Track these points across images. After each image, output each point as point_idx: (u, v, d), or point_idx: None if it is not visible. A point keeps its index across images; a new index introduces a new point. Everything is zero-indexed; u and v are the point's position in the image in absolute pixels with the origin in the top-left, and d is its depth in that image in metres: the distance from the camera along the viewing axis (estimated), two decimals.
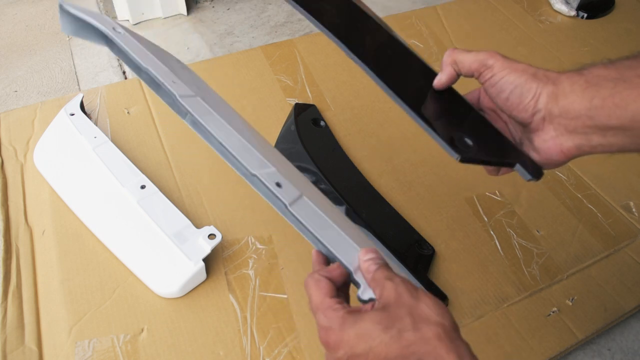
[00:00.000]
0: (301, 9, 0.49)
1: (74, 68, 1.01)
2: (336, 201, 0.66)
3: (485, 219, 0.71)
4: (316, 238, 0.39)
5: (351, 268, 0.38)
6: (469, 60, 0.43)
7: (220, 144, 0.41)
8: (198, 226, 0.63)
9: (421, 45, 0.99)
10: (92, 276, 0.61)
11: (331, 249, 0.39)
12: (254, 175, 0.40)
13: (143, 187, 0.66)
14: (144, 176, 0.67)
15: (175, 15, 1.14)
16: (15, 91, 0.95)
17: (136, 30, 1.09)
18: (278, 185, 0.41)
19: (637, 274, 0.66)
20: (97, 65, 1.02)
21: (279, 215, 0.41)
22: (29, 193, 0.70)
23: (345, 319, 0.33)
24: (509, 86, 0.41)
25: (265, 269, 0.63)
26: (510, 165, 0.43)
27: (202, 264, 0.59)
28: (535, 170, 0.42)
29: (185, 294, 0.60)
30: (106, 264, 0.62)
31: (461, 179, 0.76)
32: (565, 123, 0.40)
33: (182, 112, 0.42)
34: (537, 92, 0.40)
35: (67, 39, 1.08)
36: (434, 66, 0.49)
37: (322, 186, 0.67)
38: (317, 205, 0.41)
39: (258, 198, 0.42)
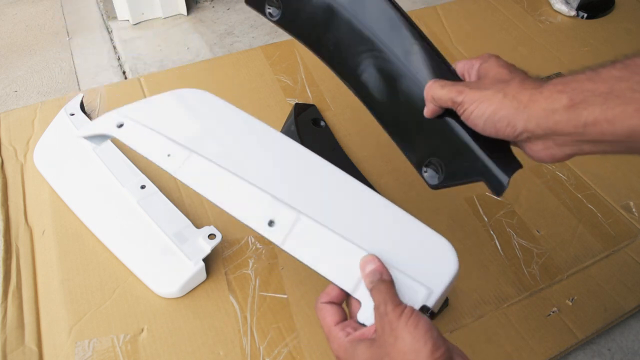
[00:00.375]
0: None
1: (74, 68, 1.01)
2: None
3: (485, 219, 0.71)
4: (312, 269, 0.40)
5: (349, 289, 0.39)
6: (443, 97, 0.42)
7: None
8: (198, 226, 0.63)
9: None
10: (92, 276, 0.61)
11: (327, 278, 0.40)
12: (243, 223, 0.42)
13: (143, 187, 0.66)
14: (144, 176, 0.67)
15: (175, 15, 1.14)
16: (15, 91, 0.95)
17: (136, 30, 1.09)
18: (270, 224, 0.41)
19: (637, 274, 0.66)
20: (97, 65, 1.02)
21: None
22: (29, 193, 0.70)
23: (346, 349, 0.36)
24: (482, 118, 0.40)
25: (265, 269, 0.63)
26: (477, 181, 0.44)
27: (202, 264, 0.59)
28: (497, 188, 0.43)
29: (185, 294, 0.60)
30: (106, 264, 0.62)
31: None
32: (553, 139, 0.38)
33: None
34: (510, 120, 0.38)
35: (67, 38, 1.08)
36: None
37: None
38: (318, 223, 0.41)
39: None
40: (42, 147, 0.73)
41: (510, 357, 0.57)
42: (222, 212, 0.42)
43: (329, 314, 0.38)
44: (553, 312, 0.61)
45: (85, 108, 0.79)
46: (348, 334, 0.37)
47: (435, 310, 0.39)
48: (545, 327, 0.60)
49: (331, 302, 0.39)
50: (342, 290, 0.39)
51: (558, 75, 0.95)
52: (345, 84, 0.52)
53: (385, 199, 0.43)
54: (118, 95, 0.84)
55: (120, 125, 0.47)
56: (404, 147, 0.49)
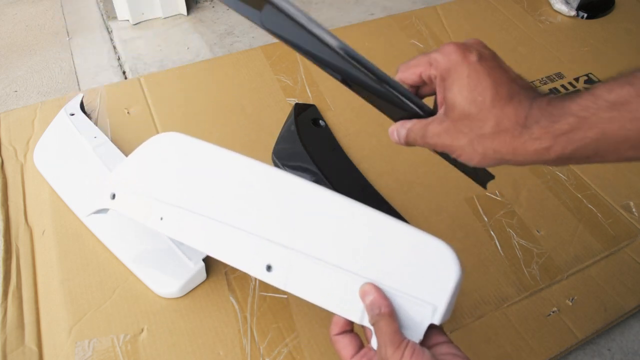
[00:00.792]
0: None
1: (74, 68, 1.01)
2: None
3: (485, 219, 0.71)
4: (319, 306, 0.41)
5: (356, 319, 0.39)
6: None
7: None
8: None
9: (421, 45, 0.99)
10: (92, 276, 0.61)
11: (334, 312, 0.40)
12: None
13: None
14: None
15: (175, 15, 1.14)
16: (15, 91, 0.95)
17: (136, 30, 1.09)
18: (269, 268, 0.42)
19: (637, 274, 0.66)
20: (97, 65, 1.02)
21: None
22: (29, 193, 0.70)
23: None
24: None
25: None
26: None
27: (202, 264, 0.59)
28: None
29: (185, 294, 0.60)
30: (106, 264, 0.62)
31: (461, 179, 0.75)
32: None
33: None
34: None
35: (67, 38, 1.08)
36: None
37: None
38: (313, 258, 0.41)
39: None
40: (42, 147, 0.73)
41: (510, 357, 0.57)
42: None
43: (343, 347, 0.39)
44: (553, 312, 0.61)
45: (85, 108, 0.79)
46: None
47: (446, 319, 0.39)
48: (545, 327, 0.60)
49: (344, 332, 0.40)
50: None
51: (558, 75, 0.95)
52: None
53: (374, 210, 0.42)
54: (118, 95, 0.84)
55: (114, 196, 0.52)
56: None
